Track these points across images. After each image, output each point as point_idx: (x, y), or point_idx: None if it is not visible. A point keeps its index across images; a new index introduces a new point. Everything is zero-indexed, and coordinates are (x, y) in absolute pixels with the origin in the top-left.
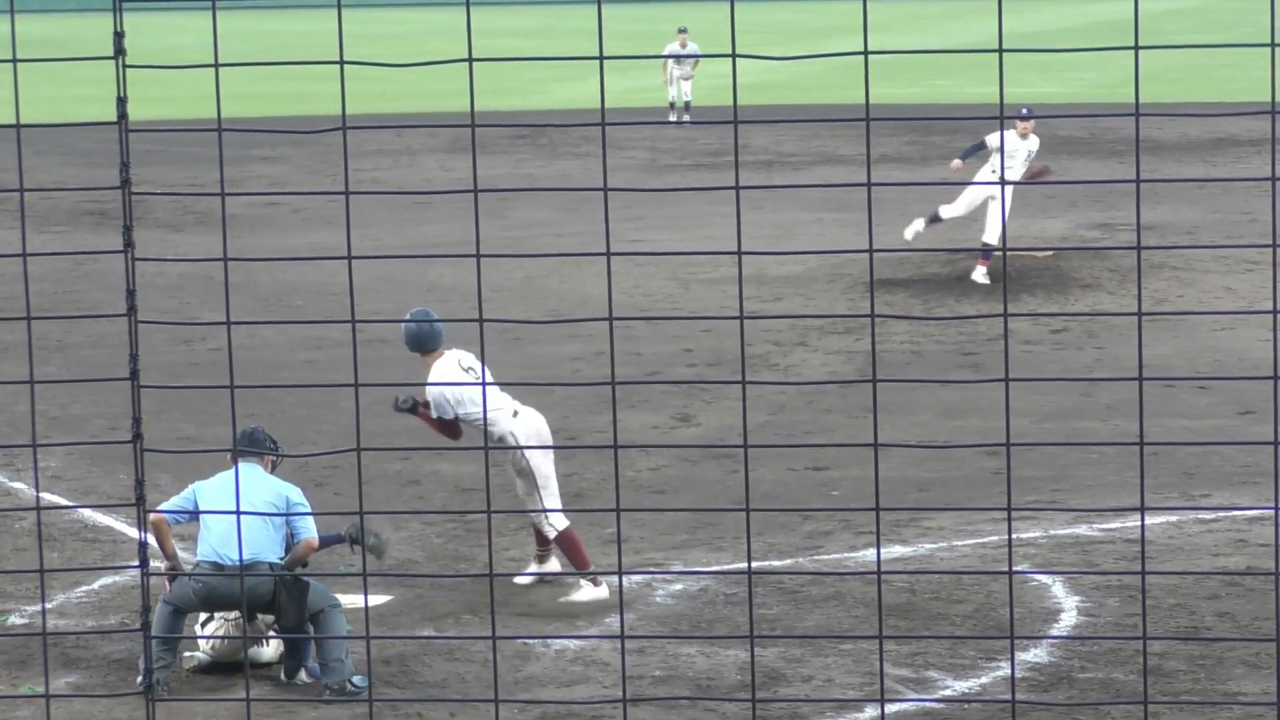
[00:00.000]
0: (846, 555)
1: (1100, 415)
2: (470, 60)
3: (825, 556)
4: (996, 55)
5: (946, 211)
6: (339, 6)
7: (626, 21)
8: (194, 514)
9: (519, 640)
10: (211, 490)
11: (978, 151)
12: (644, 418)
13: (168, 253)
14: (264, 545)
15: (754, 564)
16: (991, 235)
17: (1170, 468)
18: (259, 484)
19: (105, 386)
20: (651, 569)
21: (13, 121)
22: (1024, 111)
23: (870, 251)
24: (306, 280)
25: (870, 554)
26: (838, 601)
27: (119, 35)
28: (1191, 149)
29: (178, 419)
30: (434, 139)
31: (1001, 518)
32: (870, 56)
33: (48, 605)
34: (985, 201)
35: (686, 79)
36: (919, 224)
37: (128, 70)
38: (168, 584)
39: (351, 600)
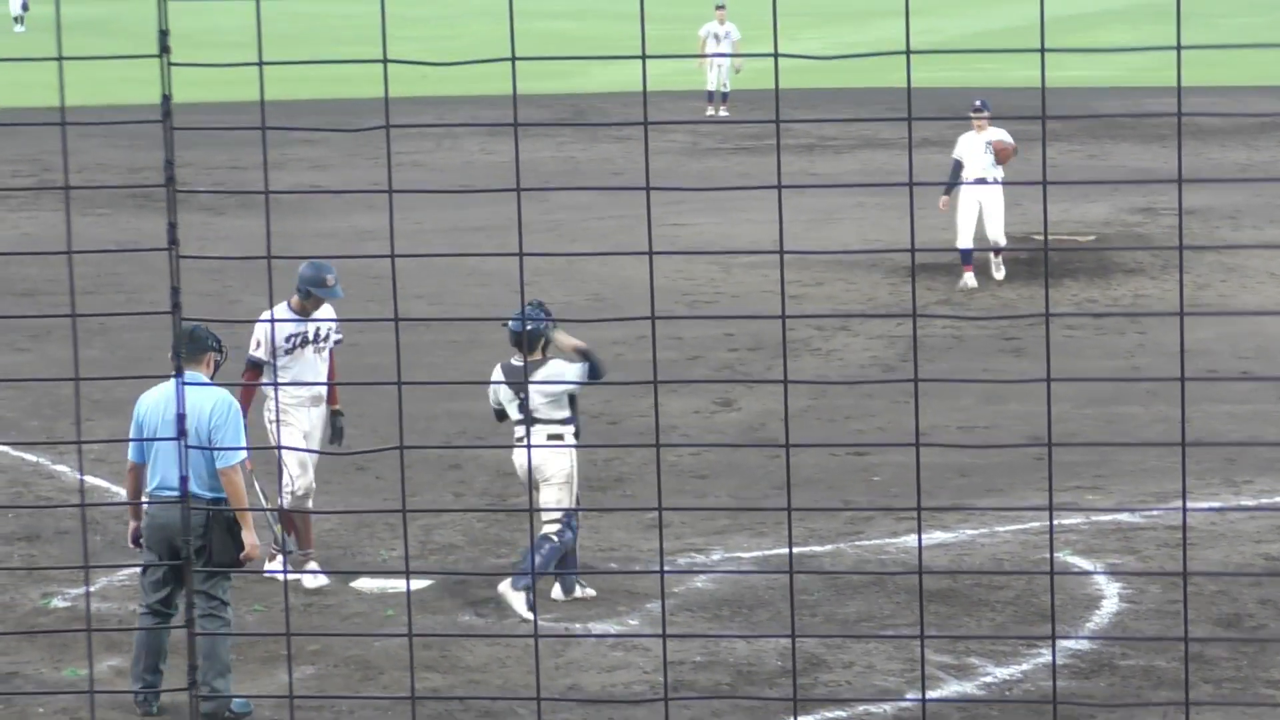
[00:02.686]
0: (888, 540)
1: (1142, 400)
2: (513, 60)
3: (867, 542)
4: (1038, 41)
5: (963, 243)
6: (382, 2)
7: (664, 4)
8: (140, 449)
9: (559, 626)
10: (146, 407)
11: (959, 173)
12: (685, 402)
13: (209, 235)
14: (194, 476)
15: (795, 549)
16: (998, 233)
17: (1213, 453)
18: (193, 397)
19: (149, 368)
20: (688, 569)
21: (59, 106)
22: (976, 104)
23: (912, 251)
24: (347, 264)
25: (910, 539)
26: (879, 587)
27: (164, 34)
28: (1235, 132)
29: None
30: (475, 120)
31: (1043, 503)
32: (912, 42)
33: (91, 589)
34: (978, 209)
35: (724, 61)
36: (968, 277)
37: (172, 68)
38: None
39: (393, 585)
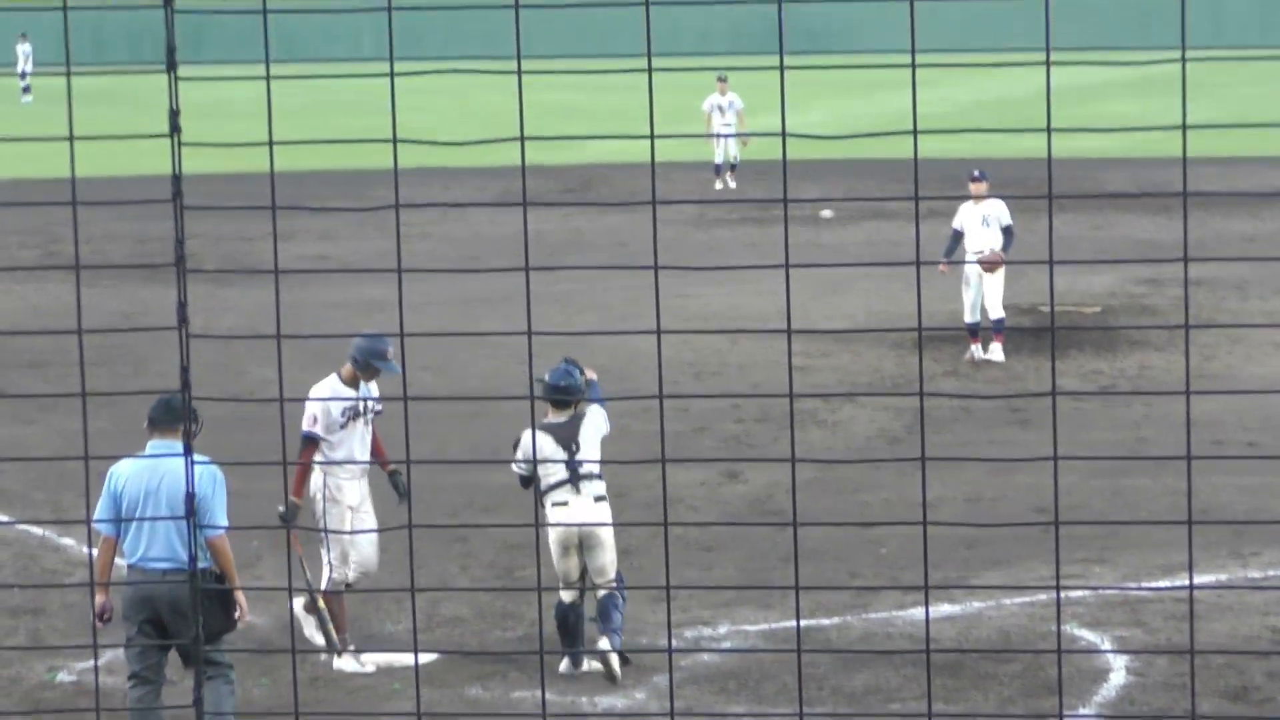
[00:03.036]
0: (895, 613)
1: (1150, 473)
2: (522, 139)
3: (873, 615)
4: (1041, 111)
5: (968, 316)
6: (391, 79)
7: (676, 75)
8: (119, 521)
9: (566, 700)
10: (125, 478)
11: (958, 242)
12: (691, 474)
13: (215, 307)
14: (181, 546)
15: (802, 622)
16: (995, 307)
17: (1221, 526)
18: (174, 468)
19: None
20: (694, 649)
21: (66, 179)
22: (975, 174)
23: (919, 330)
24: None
25: (917, 612)
26: (886, 660)
27: (174, 113)
28: (1240, 203)
29: (227, 473)
30: (482, 193)
31: (1051, 576)
32: (918, 110)
33: (97, 662)
34: (978, 282)
35: (729, 132)
36: (975, 349)
37: (183, 147)
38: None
39: (400, 658)
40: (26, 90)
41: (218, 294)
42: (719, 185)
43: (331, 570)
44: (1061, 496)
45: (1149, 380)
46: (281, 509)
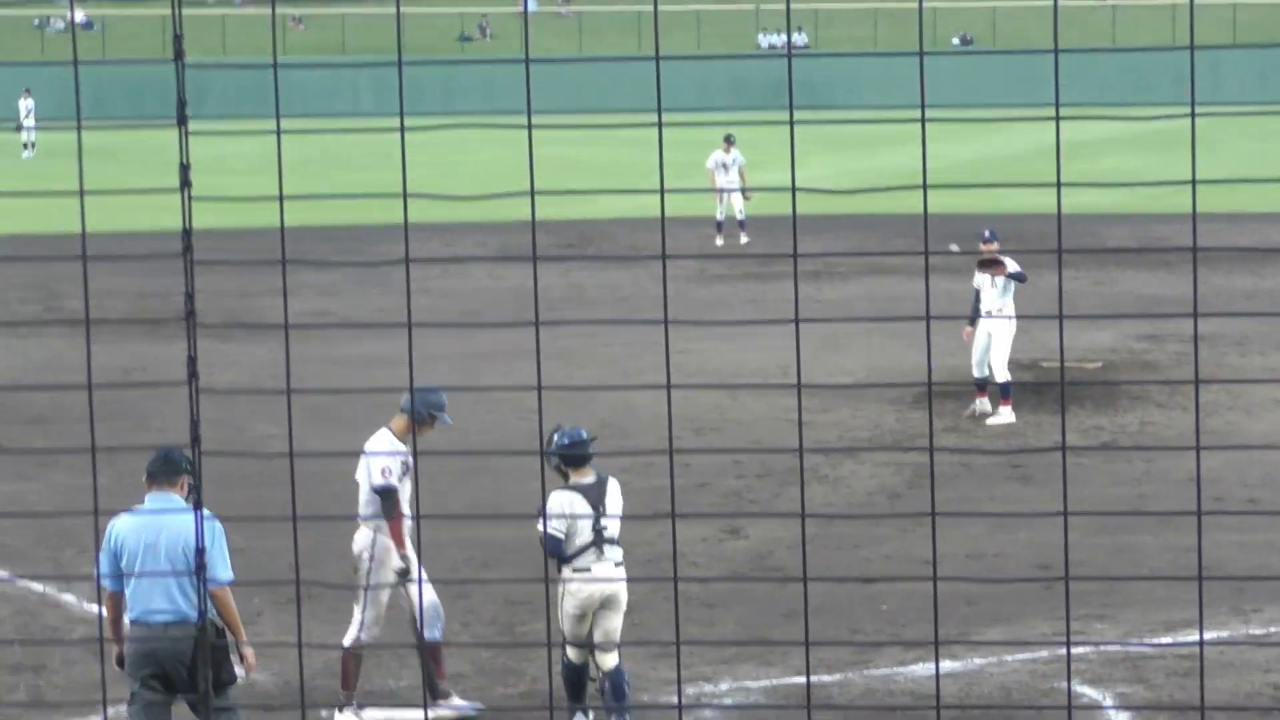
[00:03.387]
0: (896, 670)
1: (1151, 529)
2: (532, 194)
3: (875, 671)
4: (1044, 167)
5: (979, 371)
6: (402, 135)
7: (674, 130)
8: (118, 575)
9: None
10: (125, 532)
11: (978, 300)
12: (693, 530)
13: (218, 361)
14: (183, 599)
15: (802, 679)
16: (1000, 367)
17: (1222, 581)
18: (173, 522)
19: None
20: (700, 705)
21: (71, 234)
22: (985, 234)
23: (929, 385)
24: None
25: (919, 669)
26: (889, 717)
27: (184, 167)
28: (1241, 259)
29: (229, 530)
30: (483, 248)
31: (1052, 632)
32: (917, 168)
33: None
34: (988, 340)
35: (734, 188)
36: (980, 402)
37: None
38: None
39: (401, 714)
40: (29, 146)
41: (219, 349)
42: (719, 241)
43: (361, 630)
44: (1063, 553)
45: (1150, 436)
46: (400, 564)
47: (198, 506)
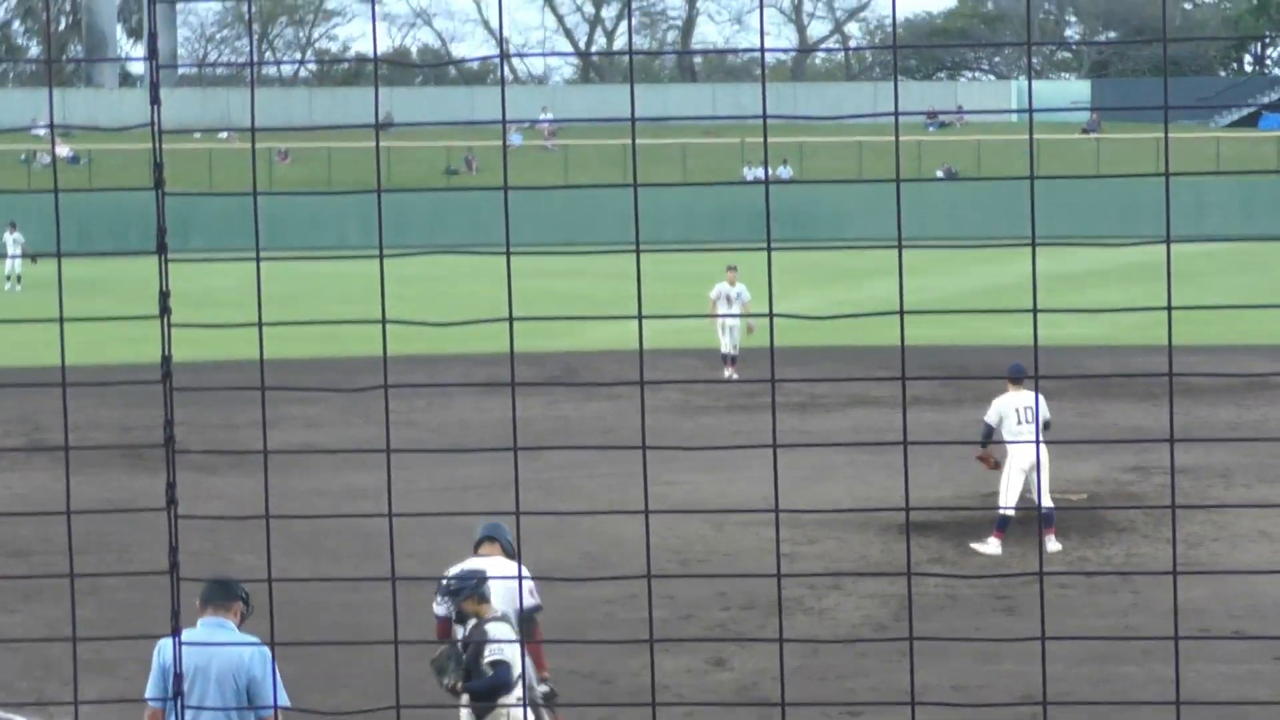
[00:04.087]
0: None
1: (1137, 660)
2: (510, 320)
3: None
4: (1027, 300)
5: (1005, 504)
6: (381, 262)
7: (661, 261)
8: (167, 699)
9: None
10: (171, 653)
11: (990, 433)
12: (678, 661)
13: (200, 494)
14: None
15: None
16: (1047, 500)
17: (1206, 713)
18: (224, 651)
19: (139, 628)
20: None
21: (53, 366)
22: (1016, 366)
23: (906, 509)
24: (341, 523)
25: None
26: None
27: (164, 295)
28: (1225, 391)
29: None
30: (468, 379)
31: None
32: (904, 301)
33: None
34: (1025, 475)
35: (735, 323)
36: (994, 543)
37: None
38: None
39: None
40: (14, 279)
41: (204, 481)
42: (727, 374)
43: None
44: (1049, 683)
45: (1136, 567)
46: (546, 688)
47: (174, 631)
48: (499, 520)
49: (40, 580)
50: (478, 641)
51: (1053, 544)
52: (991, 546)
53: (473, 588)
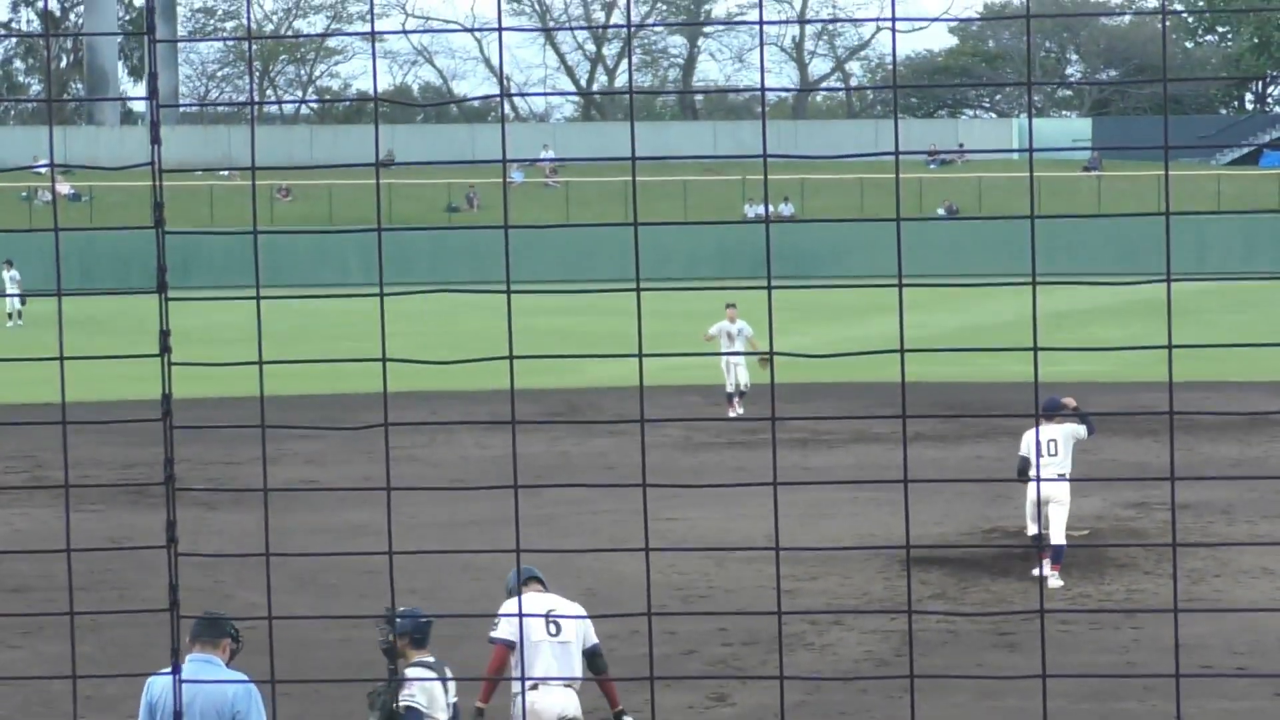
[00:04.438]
0: None
1: (1138, 696)
2: (510, 358)
3: None
4: (1030, 337)
5: (1033, 528)
6: (381, 300)
7: (664, 299)
8: None
9: None
10: (162, 689)
11: (1026, 465)
12: (680, 697)
13: (204, 531)
14: None
15: None
16: (1059, 536)
17: None
18: (210, 688)
19: (141, 665)
20: None
21: (56, 403)
22: (1054, 401)
23: (907, 546)
24: (342, 561)
25: None
26: None
27: (164, 333)
28: (1227, 427)
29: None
30: (470, 416)
31: None
32: (906, 338)
33: None
34: (1046, 503)
35: (739, 360)
36: (1054, 577)
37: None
38: None
39: None
40: (15, 316)
41: (205, 518)
42: (732, 413)
43: None
44: (1050, 719)
45: (1137, 603)
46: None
47: (173, 669)
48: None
49: (41, 617)
50: (398, 680)
51: (1054, 580)
52: (1054, 579)
53: (416, 627)
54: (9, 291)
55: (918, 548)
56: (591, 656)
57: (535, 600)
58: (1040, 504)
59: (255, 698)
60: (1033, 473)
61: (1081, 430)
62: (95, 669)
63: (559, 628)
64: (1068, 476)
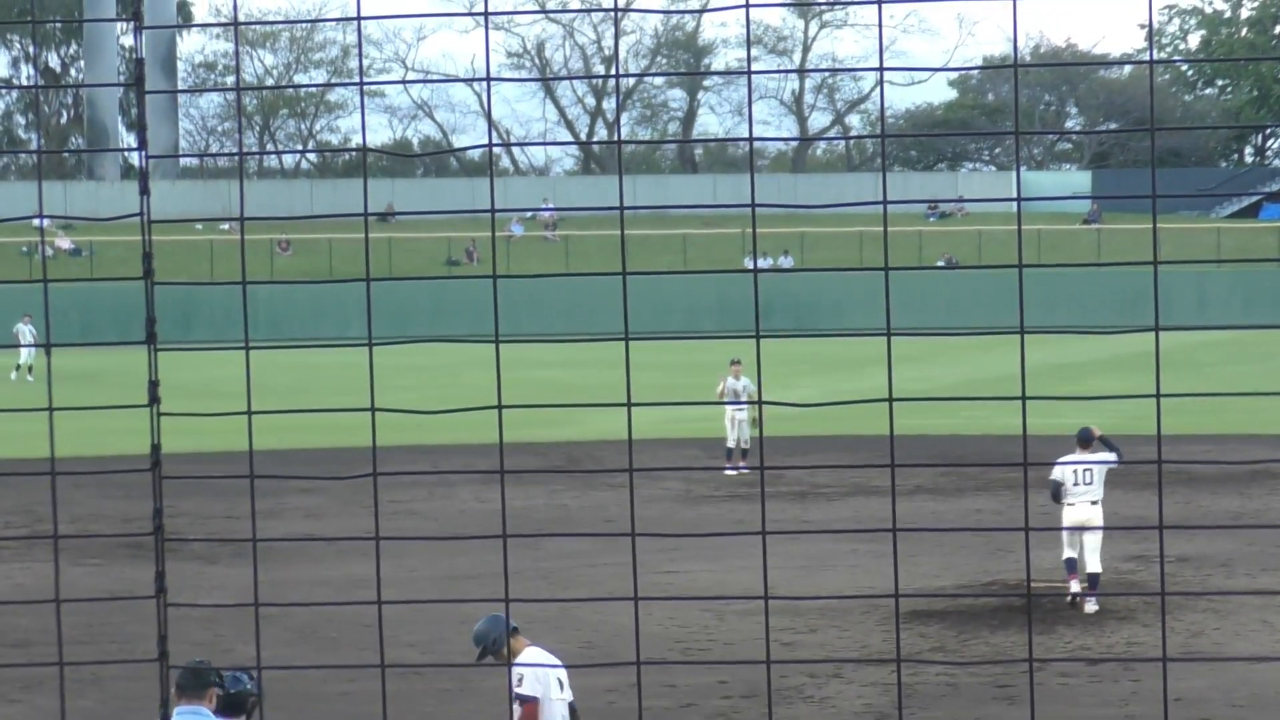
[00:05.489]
0: None
1: None
2: (500, 407)
3: None
4: (1020, 388)
5: (1068, 552)
6: (370, 350)
7: (664, 351)
8: None
9: None
10: None
11: (1059, 490)
12: None
13: (202, 584)
14: None
15: None
16: (1094, 563)
17: None
18: None
19: (140, 719)
20: None
21: (63, 455)
22: (1088, 434)
23: (896, 596)
24: (341, 611)
25: None
26: None
27: (153, 384)
28: (1226, 480)
29: None
30: (469, 469)
31: None
32: (906, 390)
33: None
34: (1080, 531)
35: (743, 417)
36: (1090, 601)
37: (162, 418)
38: None
39: None
40: (27, 370)
41: (205, 571)
42: (730, 471)
43: None
44: None
45: (1136, 655)
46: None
47: (163, 718)
48: (496, 613)
49: (40, 671)
50: None
51: (1091, 605)
52: (1091, 604)
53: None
54: (25, 343)
55: (912, 596)
56: (572, 712)
57: (542, 655)
58: (1074, 529)
59: None
60: (1067, 500)
61: (1111, 457)
62: None
63: (562, 685)
64: (1100, 503)
